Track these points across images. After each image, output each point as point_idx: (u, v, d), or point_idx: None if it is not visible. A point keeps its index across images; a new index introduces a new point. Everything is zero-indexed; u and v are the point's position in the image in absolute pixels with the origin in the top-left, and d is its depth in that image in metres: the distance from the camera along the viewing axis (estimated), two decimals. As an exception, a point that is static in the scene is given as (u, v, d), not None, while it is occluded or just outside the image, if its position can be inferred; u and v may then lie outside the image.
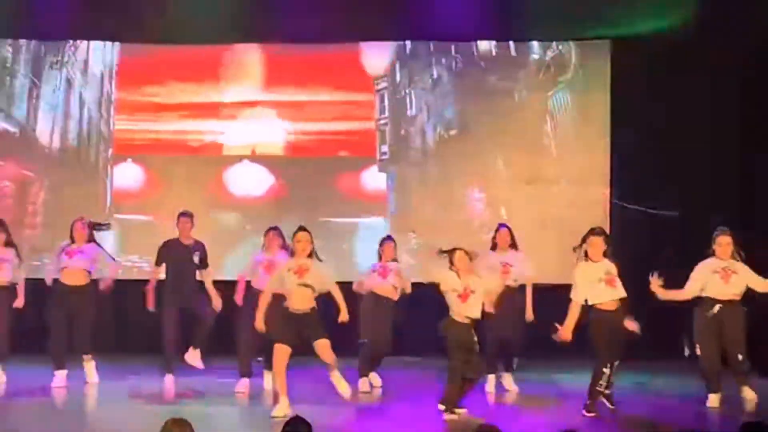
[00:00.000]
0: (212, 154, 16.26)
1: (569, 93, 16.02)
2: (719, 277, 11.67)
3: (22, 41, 16.22)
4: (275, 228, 13.25)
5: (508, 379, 12.94)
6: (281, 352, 11.16)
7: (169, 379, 13.05)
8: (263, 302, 11.46)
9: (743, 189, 14.71)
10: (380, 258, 13.22)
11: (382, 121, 16.26)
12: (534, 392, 12.67)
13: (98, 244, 13.43)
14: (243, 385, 12.80)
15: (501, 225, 13.27)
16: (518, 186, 15.96)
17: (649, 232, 15.18)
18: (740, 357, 11.64)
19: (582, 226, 14.63)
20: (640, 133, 15.40)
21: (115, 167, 16.27)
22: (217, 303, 13.15)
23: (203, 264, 13.41)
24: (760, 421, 6.84)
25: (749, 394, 11.51)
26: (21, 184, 16.17)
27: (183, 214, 13.54)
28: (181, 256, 13.33)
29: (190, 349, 13.06)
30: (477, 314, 11.21)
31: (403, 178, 16.23)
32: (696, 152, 15.09)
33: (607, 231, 14.78)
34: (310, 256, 11.45)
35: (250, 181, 16.24)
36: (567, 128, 15.99)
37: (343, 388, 11.28)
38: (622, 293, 11.33)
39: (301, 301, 11.27)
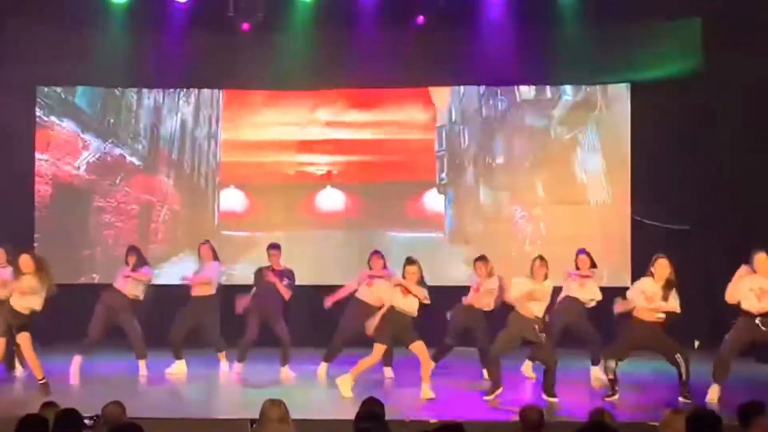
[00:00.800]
0: (301, 181, 16.28)
1: (595, 128, 15.92)
2: (754, 295, 11.17)
3: (145, 90, 16.38)
4: (377, 252, 13.28)
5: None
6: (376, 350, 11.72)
7: (237, 366, 13.24)
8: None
9: (742, 206, 14.63)
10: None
11: (440, 152, 16.27)
12: (572, 379, 12.43)
13: (218, 262, 13.61)
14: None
15: (579, 251, 13.08)
16: (553, 206, 15.90)
17: (664, 242, 14.18)
18: None
19: (606, 239, 15.23)
20: (656, 160, 15.33)
21: (221, 192, 16.42)
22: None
23: (290, 288, 13.27)
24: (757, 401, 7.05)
25: None
26: (145, 207, 16.28)
27: (272, 246, 13.48)
28: (269, 281, 13.28)
29: (282, 369, 13.16)
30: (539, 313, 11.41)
31: (458, 200, 16.24)
32: (702, 175, 15.09)
33: (629, 243, 15.44)
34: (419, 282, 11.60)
35: (332, 203, 16.30)
36: (594, 157, 15.91)
37: (426, 394, 11.36)
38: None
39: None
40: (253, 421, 7.35)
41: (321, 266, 15.68)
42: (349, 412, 7.87)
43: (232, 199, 16.51)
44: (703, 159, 15.16)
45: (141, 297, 13.30)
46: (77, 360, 13.04)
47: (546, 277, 11.49)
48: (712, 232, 14.63)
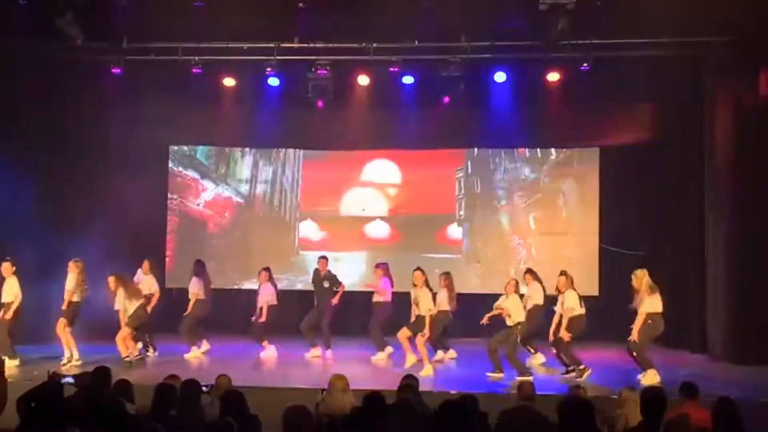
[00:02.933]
0: (358, 215, 16.23)
1: (574, 179, 15.87)
2: None
3: (247, 149, 16.48)
4: (380, 264, 13.52)
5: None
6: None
7: (320, 351, 13.11)
8: None
9: (682, 238, 14.42)
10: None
11: (459, 196, 16.20)
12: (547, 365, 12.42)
13: (271, 284, 13.41)
14: (379, 356, 12.95)
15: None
16: (542, 236, 15.85)
17: (624, 264, 14.02)
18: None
19: (581, 260, 15.12)
20: (618, 202, 15.27)
21: (300, 222, 16.41)
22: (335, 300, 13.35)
23: (333, 285, 13.39)
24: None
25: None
26: (245, 233, 16.37)
27: (321, 257, 13.74)
28: (317, 283, 13.54)
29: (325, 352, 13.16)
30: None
31: (472, 230, 16.11)
32: (653, 214, 14.95)
33: (597, 263, 15.32)
34: (426, 285, 11.95)
35: (380, 232, 16.24)
36: (572, 200, 15.84)
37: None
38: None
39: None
40: (323, 390, 7.38)
41: (365, 279, 15.49)
42: (392, 385, 7.93)
43: (308, 228, 16.48)
44: (653, 204, 15.04)
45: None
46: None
47: (516, 292, 11.61)
48: (660, 257, 14.48)
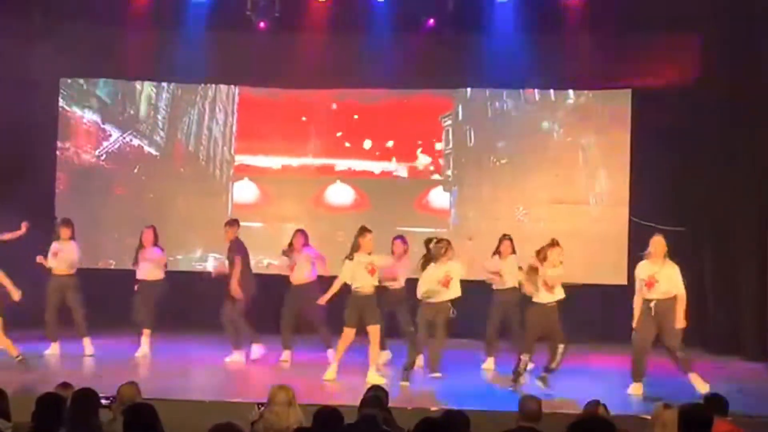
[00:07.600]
0: (312, 176, 16.31)
1: (596, 131, 15.83)
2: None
3: (164, 84, 16.41)
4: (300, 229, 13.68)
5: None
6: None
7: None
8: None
9: (733, 210, 14.63)
10: None
11: (447, 151, 16.24)
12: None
13: (160, 248, 13.79)
14: (286, 355, 13.16)
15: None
16: (554, 205, 15.82)
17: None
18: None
19: (604, 238, 15.21)
20: (654, 163, 15.21)
21: (235, 184, 16.47)
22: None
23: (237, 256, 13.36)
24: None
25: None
26: (161, 196, 16.34)
27: (229, 222, 13.69)
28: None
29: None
30: None
31: (462, 197, 16.22)
32: (698, 179, 15.05)
33: (626, 242, 15.42)
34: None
35: (341, 198, 16.32)
36: (594, 159, 15.83)
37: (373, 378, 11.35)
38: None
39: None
40: (260, 405, 7.39)
41: (328, 258, 15.55)
42: (354, 398, 7.95)
43: (245, 191, 16.52)
44: (700, 164, 15.10)
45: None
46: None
47: None
48: (705, 235, 14.60)
